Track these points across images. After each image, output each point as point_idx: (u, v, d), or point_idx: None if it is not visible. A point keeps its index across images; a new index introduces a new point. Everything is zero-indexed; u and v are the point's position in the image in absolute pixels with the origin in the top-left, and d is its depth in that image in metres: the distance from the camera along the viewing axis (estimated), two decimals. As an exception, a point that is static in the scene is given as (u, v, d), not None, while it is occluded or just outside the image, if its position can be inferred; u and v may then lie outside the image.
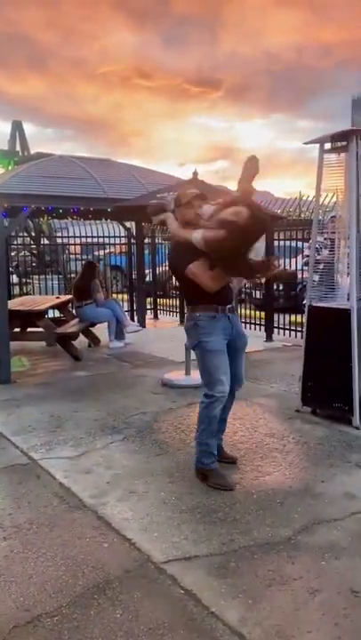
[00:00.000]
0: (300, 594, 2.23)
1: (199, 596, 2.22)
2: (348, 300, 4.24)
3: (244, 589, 2.26)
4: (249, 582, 2.30)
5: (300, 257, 8.78)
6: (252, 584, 2.29)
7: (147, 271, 10.00)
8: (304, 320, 4.64)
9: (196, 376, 4.57)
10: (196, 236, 2.92)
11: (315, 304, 4.45)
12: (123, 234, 10.21)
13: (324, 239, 4.66)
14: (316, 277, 4.55)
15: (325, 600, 2.19)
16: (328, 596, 2.21)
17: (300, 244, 8.67)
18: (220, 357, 3.15)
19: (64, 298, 8.14)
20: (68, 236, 11.50)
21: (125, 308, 9.02)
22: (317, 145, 4.33)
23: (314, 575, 2.35)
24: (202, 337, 3.14)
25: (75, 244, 11.93)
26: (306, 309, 4.52)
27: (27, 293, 11.10)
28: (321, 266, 4.56)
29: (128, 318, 8.44)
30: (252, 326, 8.48)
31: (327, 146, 4.29)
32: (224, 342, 3.19)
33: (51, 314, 7.72)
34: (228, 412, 3.46)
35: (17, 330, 6.79)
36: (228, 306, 3.21)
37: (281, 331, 8.03)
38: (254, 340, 7.66)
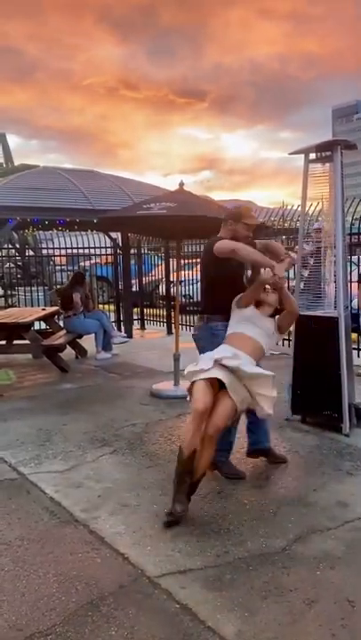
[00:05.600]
0: (297, 605, 2.21)
1: (195, 610, 2.19)
2: (335, 308, 4.27)
3: (239, 602, 2.24)
4: (245, 594, 2.29)
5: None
6: (248, 596, 2.27)
7: (133, 281, 9.99)
8: (292, 329, 4.66)
9: (184, 386, 4.55)
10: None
11: (302, 312, 4.47)
12: (109, 244, 10.20)
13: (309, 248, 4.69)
14: (302, 285, 4.58)
15: (322, 611, 2.18)
16: (324, 607, 2.20)
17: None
18: None
19: (50, 310, 8.10)
20: (54, 248, 11.46)
21: (112, 319, 8.99)
22: (302, 155, 4.38)
23: (310, 586, 2.34)
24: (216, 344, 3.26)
25: (60, 256, 11.89)
26: (294, 318, 4.53)
27: (12, 305, 11.01)
28: (306, 273, 4.59)
29: (115, 329, 8.41)
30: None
31: (312, 156, 4.34)
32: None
33: (37, 326, 7.66)
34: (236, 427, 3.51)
35: (3, 342, 6.72)
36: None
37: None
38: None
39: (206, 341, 3.40)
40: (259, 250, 3.47)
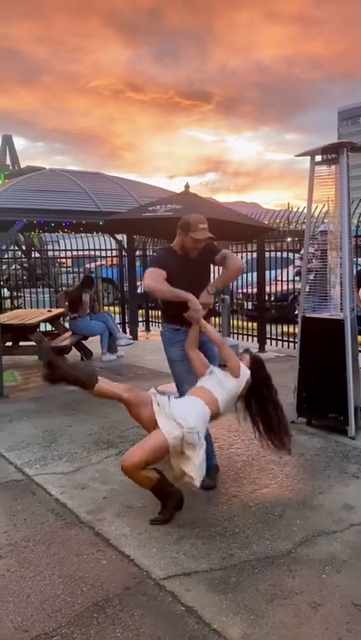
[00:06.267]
0: (303, 608, 2.21)
1: (200, 612, 2.19)
2: (341, 310, 4.26)
3: (245, 605, 2.23)
4: (250, 597, 2.28)
5: (290, 267, 8.83)
6: (254, 599, 2.27)
7: (138, 283, 9.99)
8: (297, 331, 4.65)
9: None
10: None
11: (308, 315, 4.47)
12: (114, 246, 10.22)
13: (315, 250, 4.69)
14: (307, 288, 4.57)
15: (328, 614, 2.17)
16: (330, 610, 2.19)
17: (288, 254, 8.72)
18: (181, 365, 3.40)
19: (56, 311, 8.12)
20: (60, 249, 11.48)
21: (117, 321, 9.01)
22: (308, 157, 4.38)
23: (315, 589, 2.33)
24: (166, 347, 3.48)
25: (66, 257, 11.92)
26: (299, 320, 4.53)
27: (18, 307, 11.05)
28: (312, 276, 4.58)
29: (120, 331, 8.42)
30: (245, 337, 8.49)
31: (318, 158, 4.33)
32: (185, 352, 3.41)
33: (43, 327, 7.68)
34: None
35: (9, 344, 6.74)
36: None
37: (273, 341, 8.04)
38: (247, 351, 7.67)
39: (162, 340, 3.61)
40: (217, 259, 3.44)
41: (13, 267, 13.12)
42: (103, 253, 10.74)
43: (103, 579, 2.43)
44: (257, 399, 3.22)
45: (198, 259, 3.40)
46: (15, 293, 12.17)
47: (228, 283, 3.46)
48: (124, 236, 9.39)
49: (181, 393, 3.43)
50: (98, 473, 3.63)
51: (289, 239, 8.64)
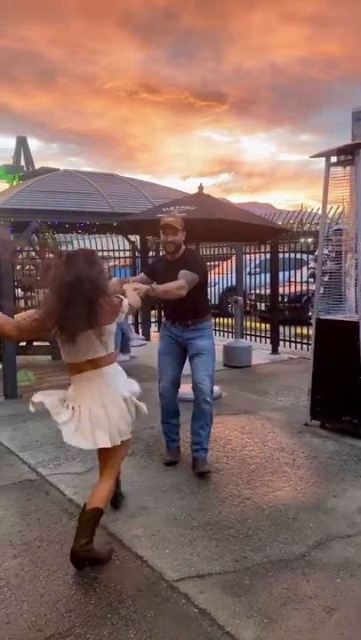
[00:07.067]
0: (317, 612, 2.19)
1: (214, 615, 2.18)
2: (356, 312, 4.23)
3: (259, 608, 2.22)
4: (264, 601, 2.27)
5: (304, 269, 8.79)
6: (268, 602, 2.26)
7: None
8: (311, 332, 4.63)
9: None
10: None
11: (322, 317, 4.44)
12: (127, 247, 10.24)
13: (329, 251, 4.66)
14: (322, 290, 4.54)
15: (342, 619, 2.15)
16: (345, 615, 2.17)
17: (301, 255, 8.67)
18: (162, 358, 3.81)
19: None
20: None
21: (130, 321, 9.02)
22: (323, 158, 4.35)
23: (330, 593, 2.31)
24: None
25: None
26: (313, 322, 4.51)
27: (31, 307, 11.11)
28: (326, 278, 4.55)
29: (133, 331, 8.43)
30: (258, 339, 8.46)
31: (333, 159, 4.31)
32: (169, 346, 3.74)
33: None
34: (195, 421, 3.67)
35: (23, 344, 6.78)
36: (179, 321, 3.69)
37: (287, 343, 8.01)
38: (260, 352, 7.65)
39: None
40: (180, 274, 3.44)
41: (27, 267, 13.18)
42: (116, 254, 10.77)
43: (116, 579, 2.44)
44: None
45: (184, 263, 3.53)
46: (29, 294, 12.23)
47: (160, 296, 3.46)
48: (138, 237, 9.40)
49: (161, 387, 3.83)
50: (111, 473, 3.62)
51: (302, 240, 8.60)
